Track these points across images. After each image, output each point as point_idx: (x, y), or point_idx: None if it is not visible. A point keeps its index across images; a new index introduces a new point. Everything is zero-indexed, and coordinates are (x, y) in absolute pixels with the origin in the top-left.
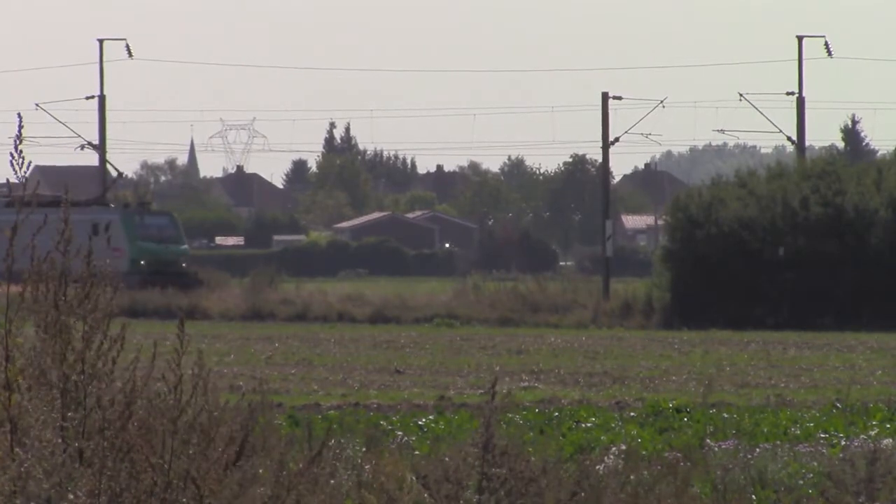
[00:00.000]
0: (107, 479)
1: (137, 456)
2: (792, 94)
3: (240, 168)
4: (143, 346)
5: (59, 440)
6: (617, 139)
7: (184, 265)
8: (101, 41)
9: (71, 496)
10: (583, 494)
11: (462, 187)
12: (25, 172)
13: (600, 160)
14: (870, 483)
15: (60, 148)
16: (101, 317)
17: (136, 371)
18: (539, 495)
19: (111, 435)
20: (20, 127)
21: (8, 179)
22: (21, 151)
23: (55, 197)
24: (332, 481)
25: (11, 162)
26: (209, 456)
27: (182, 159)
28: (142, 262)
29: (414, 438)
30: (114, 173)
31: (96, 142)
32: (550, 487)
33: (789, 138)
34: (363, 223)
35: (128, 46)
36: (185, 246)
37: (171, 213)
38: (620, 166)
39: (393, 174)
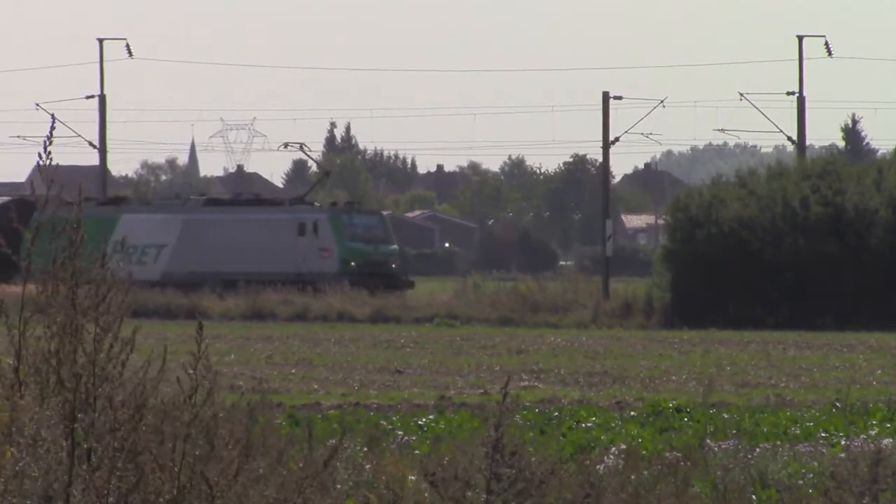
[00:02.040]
0: (116, 480)
1: (146, 458)
2: (792, 93)
3: (240, 167)
4: (143, 346)
5: (64, 441)
6: (617, 139)
7: (394, 266)
8: (101, 41)
9: (73, 496)
10: (590, 495)
11: (462, 187)
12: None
13: (600, 160)
14: (873, 483)
15: (61, 148)
16: (112, 319)
17: (146, 374)
18: (545, 496)
19: (122, 436)
20: (52, 128)
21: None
22: (49, 153)
23: (256, 196)
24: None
25: (38, 163)
26: (219, 456)
27: (182, 159)
28: (352, 263)
29: (414, 438)
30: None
31: (97, 142)
32: (554, 488)
33: (789, 138)
34: None
35: (128, 46)
36: (395, 246)
37: (380, 212)
38: (620, 166)
39: (393, 174)
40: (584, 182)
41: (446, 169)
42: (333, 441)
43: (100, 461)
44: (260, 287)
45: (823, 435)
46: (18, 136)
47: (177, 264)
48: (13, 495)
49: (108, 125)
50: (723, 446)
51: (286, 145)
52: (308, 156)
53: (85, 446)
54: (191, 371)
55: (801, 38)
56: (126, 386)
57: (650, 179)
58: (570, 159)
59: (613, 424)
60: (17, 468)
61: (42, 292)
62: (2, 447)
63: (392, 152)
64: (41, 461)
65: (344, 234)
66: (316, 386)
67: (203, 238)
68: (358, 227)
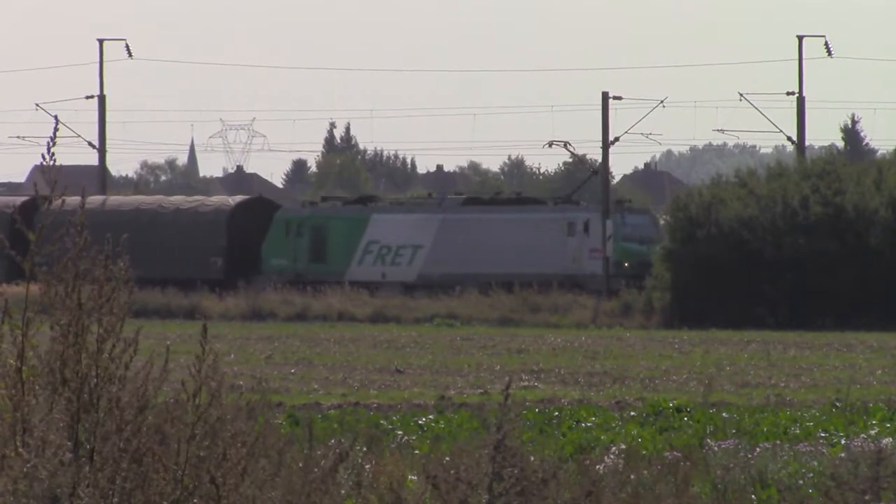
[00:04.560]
0: (121, 481)
1: (150, 459)
2: (792, 93)
3: (240, 168)
4: (143, 346)
5: (69, 442)
6: (617, 139)
7: None
8: (101, 41)
9: (79, 497)
10: (592, 493)
11: (462, 187)
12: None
13: (600, 160)
14: (874, 482)
15: (60, 148)
16: (116, 320)
17: (148, 374)
18: (546, 498)
19: (126, 437)
20: (55, 129)
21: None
22: (53, 154)
23: (517, 195)
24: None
25: (42, 163)
26: (224, 457)
27: (182, 159)
28: (626, 264)
29: (414, 438)
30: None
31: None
32: (552, 489)
33: (789, 138)
34: None
35: (128, 46)
36: None
37: (650, 210)
38: (620, 166)
39: (393, 174)
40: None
41: (446, 169)
42: (333, 441)
43: (104, 462)
44: (528, 289)
45: (823, 435)
46: (18, 137)
47: (434, 265)
48: (22, 496)
49: (108, 125)
50: (723, 446)
51: (550, 144)
52: (573, 153)
53: (88, 447)
54: (195, 372)
55: (801, 38)
56: (129, 386)
57: (650, 179)
58: (570, 159)
59: (613, 424)
60: (25, 469)
61: (45, 291)
62: (7, 448)
63: (392, 152)
64: (49, 463)
65: (617, 234)
66: (316, 386)
67: (462, 238)
68: (630, 227)
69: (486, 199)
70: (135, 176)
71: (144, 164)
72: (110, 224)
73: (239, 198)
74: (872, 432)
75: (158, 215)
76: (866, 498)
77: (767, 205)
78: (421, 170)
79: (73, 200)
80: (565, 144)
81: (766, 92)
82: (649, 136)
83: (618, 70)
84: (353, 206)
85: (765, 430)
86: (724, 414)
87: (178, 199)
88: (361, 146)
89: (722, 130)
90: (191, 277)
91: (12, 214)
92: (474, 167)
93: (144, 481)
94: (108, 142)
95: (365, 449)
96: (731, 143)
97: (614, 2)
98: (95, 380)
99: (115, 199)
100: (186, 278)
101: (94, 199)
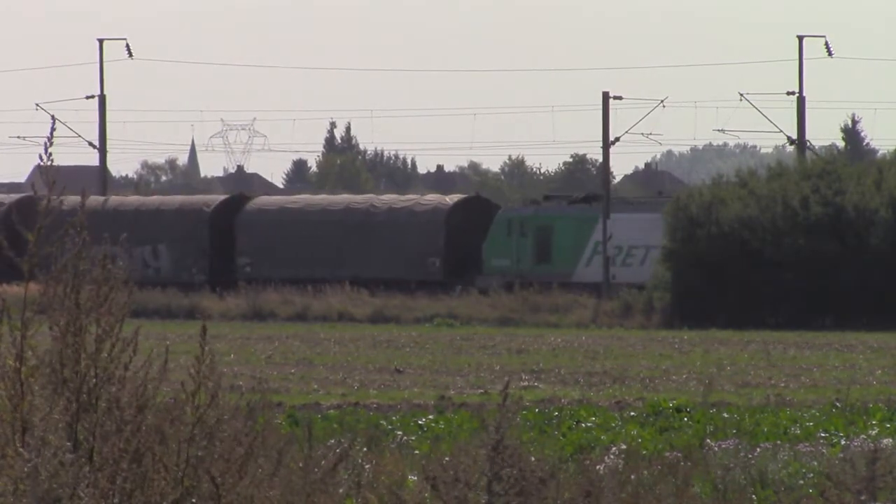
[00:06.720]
0: (121, 481)
1: (150, 459)
2: (792, 93)
3: (240, 168)
4: (143, 346)
5: (68, 442)
6: (617, 139)
7: None
8: (101, 41)
9: (79, 497)
10: (591, 493)
11: (462, 187)
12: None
13: (601, 160)
14: (871, 482)
15: (61, 148)
16: (114, 320)
17: (147, 374)
18: (545, 498)
19: (126, 437)
20: (52, 129)
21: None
22: (51, 154)
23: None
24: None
25: (39, 164)
26: (224, 457)
27: (182, 159)
28: None
29: (414, 438)
30: None
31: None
32: (552, 489)
33: (789, 138)
34: None
35: (128, 46)
36: None
37: None
38: (621, 166)
39: (393, 174)
40: (585, 182)
41: (446, 169)
42: (333, 441)
43: (103, 462)
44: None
45: (823, 435)
46: (18, 137)
47: None
48: (24, 496)
49: (108, 125)
50: (723, 446)
51: (791, 142)
52: (815, 152)
53: (87, 447)
54: (194, 372)
55: (801, 38)
56: (128, 386)
57: (650, 179)
58: (570, 159)
59: (613, 424)
60: (26, 469)
61: (45, 292)
62: (6, 448)
63: (392, 152)
64: (49, 463)
65: None
66: (316, 386)
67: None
68: None
69: None
70: (135, 176)
71: (145, 164)
72: (316, 224)
73: (456, 196)
74: (872, 432)
75: (370, 215)
76: (862, 498)
77: (768, 205)
78: (421, 170)
79: (270, 200)
80: (794, 142)
81: (766, 92)
82: (649, 137)
83: (618, 70)
84: (579, 204)
85: (765, 430)
86: (724, 414)
87: (390, 198)
88: (361, 146)
89: (722, 130)
90: (406, 278)
91: (210, 214)
92: (474, 167)
93: (144, 481)
94: (108, 142)
95: (365, 449)
96: (731, 143)
97: (614, 2)
98: (94, 380)
99: (321, 199)
100: (401, 279)
101: (297, 199)
